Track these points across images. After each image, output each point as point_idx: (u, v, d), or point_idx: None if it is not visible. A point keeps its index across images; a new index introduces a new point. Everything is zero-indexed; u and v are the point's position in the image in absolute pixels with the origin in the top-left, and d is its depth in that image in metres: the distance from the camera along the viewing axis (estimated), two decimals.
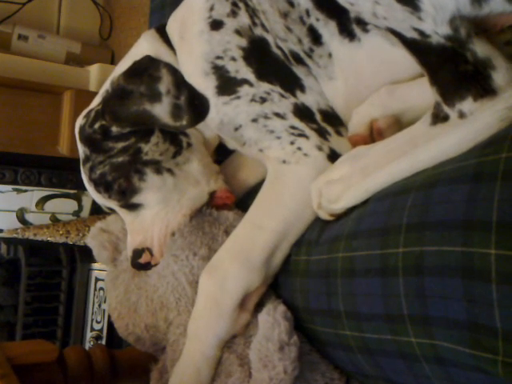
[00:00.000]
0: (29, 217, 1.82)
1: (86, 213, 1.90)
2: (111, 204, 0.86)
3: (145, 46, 0.87)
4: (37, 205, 1.82)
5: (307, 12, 0.74)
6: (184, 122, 0.80)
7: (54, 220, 1.85)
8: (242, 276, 0.73)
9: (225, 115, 0.79)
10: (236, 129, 0.79)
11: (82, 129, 0.85)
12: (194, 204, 0.84)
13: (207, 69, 0.79)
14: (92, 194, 0.87)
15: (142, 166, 0.82)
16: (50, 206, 1.84)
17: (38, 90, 1.75)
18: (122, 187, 0.82)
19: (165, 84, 0.80)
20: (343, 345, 0.67)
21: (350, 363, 0.68)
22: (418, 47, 0.60)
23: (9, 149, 1.71)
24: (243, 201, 0.89)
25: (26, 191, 1.79)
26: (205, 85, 0.80)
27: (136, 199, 0.83)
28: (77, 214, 1.88)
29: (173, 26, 0.87)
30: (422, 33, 0.58)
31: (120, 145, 0.82)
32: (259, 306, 0.74)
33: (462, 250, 0.49)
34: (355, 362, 0.67)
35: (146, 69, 0.81)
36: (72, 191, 1.83)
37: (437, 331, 0.53)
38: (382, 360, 0.61)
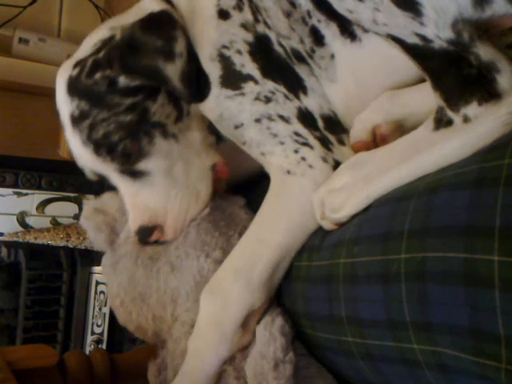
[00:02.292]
0: (29, 220, 1.82)
1: None
2: (109, 169, 0.79)
3: (153, 4, 0.81)
4: (37, 208, 1.82)
5: (308, 13, 0.73)
6: (187, 92, 0.76)
7: (55, 223, 1.85)
8: (244, 297, 0.71)
9: (226, 109, 0.77)
10: (236, 127, 0.77)
11: (74, 79, 0.77)
12: (207, 186, 0.81)
13: (213, 55, 0.77)
14: (84, 158, 0.79)
15: (151, 128, 0.77)
16: (51, 209, 1.84)
17: (39, 94, 1.76)
18: (128, 149, 0.76)
19: (180, 46, 0.75)
20: (345, 351, 0.66)
21: (352, 369, 0.68)
22: (420, 53, 0.60)
23: (9, 152, 1.71)
24: (251, 200, 0.87)
25: (26, 195, 1.79)
26: (209, 69, 0.78)
27: (142, 165, 0.78)
28: (77, 217, 1.88)
29: None
30: (424, 38, 0.58)
31: (128, 101, 0.75)
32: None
33: (464, 257, 0.49)
34: (357, 369, 0.66)
35: (164, 24, 0.76)
36: (72, 194, 1.84)
37: (439, 338, 0.52)
38: (384, 366, 0.61)
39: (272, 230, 0.74)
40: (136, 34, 0.75)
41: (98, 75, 0.75)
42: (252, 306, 0.72)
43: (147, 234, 0.78)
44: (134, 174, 0.78)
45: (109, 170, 0.79)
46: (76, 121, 0.77)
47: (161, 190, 0.78)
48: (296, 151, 0.74)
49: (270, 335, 0.68)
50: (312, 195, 0.72)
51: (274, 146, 0.75)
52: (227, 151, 0.88)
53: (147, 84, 0.76)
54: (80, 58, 0.79)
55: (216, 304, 0.72)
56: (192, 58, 0.77)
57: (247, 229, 0.77)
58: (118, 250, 0.85)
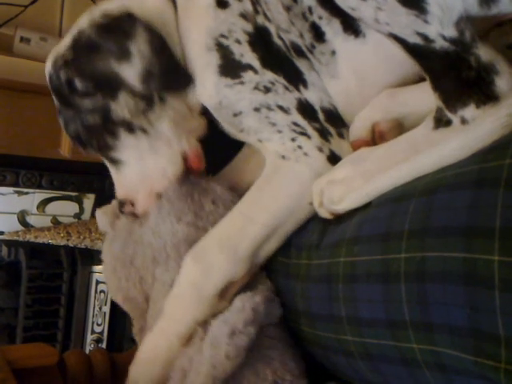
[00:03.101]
0: (30, 219, 1.82)
1: (87, 215, 1.90)
2: None
3: None
4: (38, 207, 1.82)
5: (310, 9, 0.73)
6: (152, 87, 0.78)
7: (55, 222, 1.85)
8: (227, 267, 0.73)
9: (225, 98, 0.77)
10: (235, 114, 0.78)
11: (50, 78, 0.82)
12: (175, 168, 0.83)
13: (210, 44, 0.77)
14: None
15: (114, 126, 0.80)
16: (51, 208, 1.84)
17: (40, 93, 1.75)
18: (96, 146, 0.82)
19: (138, 44, 0.76)
20: (344, 350, 0.67)
21: (351, 369, 0.68)
22: (421, 52, 0.60)
23: (10, 151, 1.72)
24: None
25: (27, 193, 1.79)
26: (206, 59, 0.78)
27: (114, 155, 0.83)
28: (78, 216, 1.88)
29: None
30: (425, 38, 0.58)
31: (87, 102, 0.80)
32: (248, 289, 0.75)
33: (464, 257, 0.49)
34: (356, 368, 0.66)
35: (121, 24, 0.78)
36: (73, 193, 1.84)
37: (439, 338, 0.52)
38: (384, 366, 0.61)
39: (260, 209, 0.75)
40: (92, 36, 0.78)
41: (62, 75, 0.79)
42: (233, 277, 0.74)
43: (121, 206, 0.85)
44: (111, 160, 0.84)
45: None
46: (58, 112, 0.84)
47: (132, 172, 0.83)
48: (293, 139, 0.74)
49: (242, 307, 0.69)
50: (304, 181, 0.73)
51: (271, 133, 0.76)
52: (232, 175, 0.93)
53: (104, 87, 0.79)
54: (58, 51, 0.82)
55: (198, 270, 0.74)
56: (165, 50, 0.78)
57: (222, 198, 0.82)
58: (117, 226, 0.90)
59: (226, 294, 0.74)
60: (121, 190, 0.85)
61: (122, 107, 0.79)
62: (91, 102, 0.79)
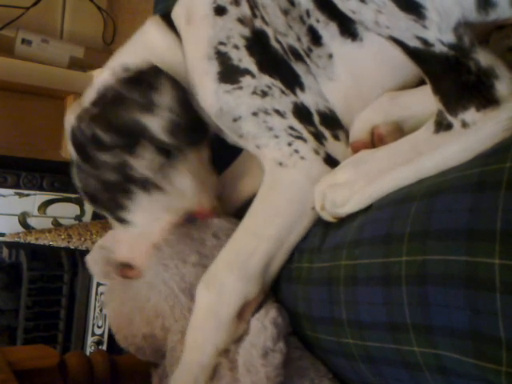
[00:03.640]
0: (31, 221, 1.82)
1: (88, 217, 1.90)
2: None
3: (154, 34, 0.85)
4: (39, 209, 1.82)
5: (307, 12, 0.73)
6: (178, 142, 0.78)
7: (56, 224, 1.85)
8: (240, 287, 0.72)
9: (225, 104, 0.78)
10: (235, 120, 0.78)
11: (74, 133, 0.81)
12: (174, 219, 0.83)
13: (211, 53, 0.78)
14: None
15: (131, 185, 0.80)
16: (52, 210, 1.85)
17: (41, 95, 1.76)
18: (108, 206, 0.82)
19: (162, 96, 0.76)
20: (345, 353, 0.67)
21: (352, 371, 0.68)
22: (421, 56, 0.59)
23: (11, 153, 1.72)
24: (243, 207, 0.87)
25: (28, 195, 1.79)
26: (206, 69, 0.78)
27: (123, 216, 0.82)
28: (79, 218, 1.89)
29: (178, 12, 0.85)
30: (425, 41, 0.58)
31: (107, 158, 0.78)
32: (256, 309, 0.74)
33: (465, 260, 0.49)
34: (357, 371, 0.66)
35: (146, 77, 0.78)
36: (74, 195, 1.84)
37: (440, 340, 0.52)
38: (385, 369, 0.61)
39: (264, 222, 0.74)
40: (118, 89, 0.77)
41: (86, 130, 0.78)
42: (247, 296, 0.73)
43: (123, 269, 0.84)
44: (118, 219, 0.83)
45: None
46: (73, 166, 0.83)
47: (137, 232, 0.83)
48: (290, 144, 0.74)
49: (262, 326, 0.68)
50: (303, 187, 0.73)
51: (269, 139, 0.76)
52: (231, 178, 0.92)
53: (125, 139, 0.78)
54: (83, 106, 0.81)
55: (212, 295, 0.73)
56: (190, 105, 0.78)
57: (223, 229, 0.80)
58: (114, 278, 0.88)
59: (243, 316, 0.73)
60: (123, 250, 0.84)
61: (141, 164, 0.78)
62: (112, 158, 0.78)
